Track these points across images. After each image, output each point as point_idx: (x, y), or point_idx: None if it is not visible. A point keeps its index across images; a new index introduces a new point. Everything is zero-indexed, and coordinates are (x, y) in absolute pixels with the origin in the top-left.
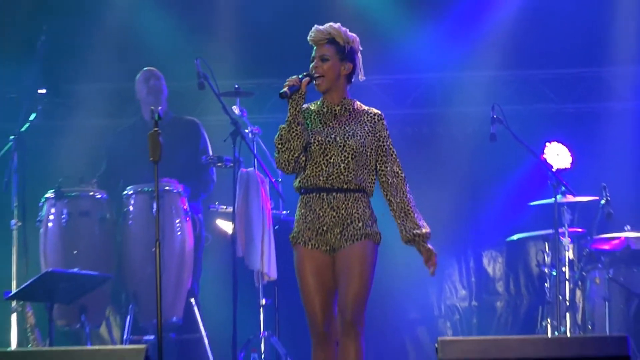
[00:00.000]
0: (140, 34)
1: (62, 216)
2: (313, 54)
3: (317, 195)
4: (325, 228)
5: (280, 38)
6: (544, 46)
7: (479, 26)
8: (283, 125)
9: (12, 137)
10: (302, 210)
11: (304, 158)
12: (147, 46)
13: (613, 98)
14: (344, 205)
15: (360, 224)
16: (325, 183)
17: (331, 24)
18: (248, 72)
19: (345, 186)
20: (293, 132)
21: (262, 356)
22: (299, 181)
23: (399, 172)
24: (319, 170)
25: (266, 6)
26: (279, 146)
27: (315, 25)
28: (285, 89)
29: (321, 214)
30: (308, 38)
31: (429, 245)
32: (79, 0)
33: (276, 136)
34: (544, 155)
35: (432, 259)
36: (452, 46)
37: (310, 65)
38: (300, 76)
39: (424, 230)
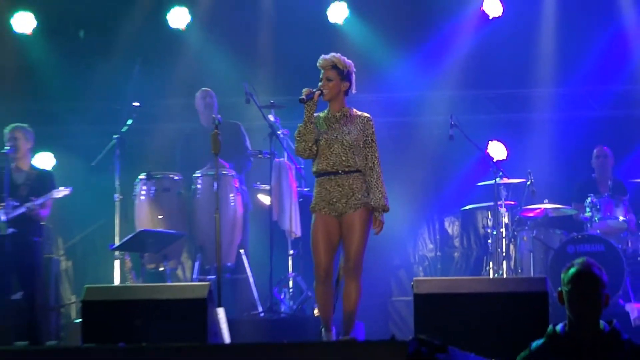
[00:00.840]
0: (204, 62)
1: (151, 192)
2: (321, 76)
3: (327, 177)
4: (334, 200)
5: (303, 64)
6: (488, 73)
7: (441, 59)
8: (300, 124)
9: (115, 136)
10: (318, 188)
11: (315, 148)
12: (207, 71)
13: (535, 110)
14: (346, 183)
15: (359, 196)
16: (332, 168)
17: (333, 54)
18: (280, 90)
19: (346, 169)
20: (307, 128)
21: (290, 290)
22: (314, 168)
23: (374, 164)
24: (327, 160)
25: (294, 42)
26: (298, 138)
27: (322, 55)
28: (303, 96)
29: (331, 190)
30: (317, 64)
31: (381, 218)
32: (163, 40)
33: (295, 132)
34: (487, 150)
35: (379, 227)
36: (422, 72)
37: (319, 84)
38: (314, 89)
39: (380, 204)
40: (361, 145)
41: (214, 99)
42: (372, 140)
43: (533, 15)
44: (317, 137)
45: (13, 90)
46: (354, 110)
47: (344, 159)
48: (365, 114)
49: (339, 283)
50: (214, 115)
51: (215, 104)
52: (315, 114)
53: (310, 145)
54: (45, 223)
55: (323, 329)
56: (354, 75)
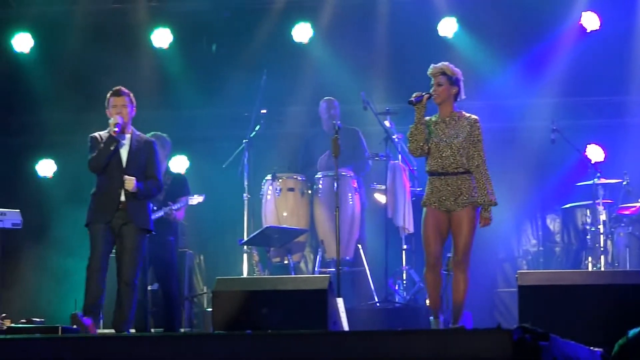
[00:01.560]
0: (325, 73)
1: (276, 191)
2: (432, 82)
3: (437, 176)
4: (443, 197)
5: (416, 74)
6: (587, 81)
7: (543, 68)
8: (412, 125)
9: (244, 140)
10: (429, 186)
11: (427, 147)
12: (328, 81)
13: (631, 115)
14: (455, 183)
15: (467, 195)
16: (442, 169)
17: (442, 62)
18: (395, 97)
19: (455, 170)
20: (418, 129)
21: (404, 282)
22: (427, 167)
23: (480, 163)
24: (437, 162)
25: (407, 54)
26: (410, 138)
27: (432, 64)
28: (412, 98)
29: (440, 188)
30: (428, 72)
31: (489, 213)
32: (288, 53)
33: (408, 132)
34: (586, 153)
35: (485, 220)
36: (526, 81)
37: (431, 90)
38: (423, 93)
39: (487, 200)
40: (468, 146)
41: (337, 108)
42: (478, 140)
43: (628, 28)
44: (428, 138)
45: (152, 100)
46: (463, 112)
47: (452, 161)
48: (473, 116)
49: (449, 275)
50: (334, 122)
51: (337, 112)
52: (427, 117)
53: (421, 144)
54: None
55: (432, 317)
56: (461, 82)
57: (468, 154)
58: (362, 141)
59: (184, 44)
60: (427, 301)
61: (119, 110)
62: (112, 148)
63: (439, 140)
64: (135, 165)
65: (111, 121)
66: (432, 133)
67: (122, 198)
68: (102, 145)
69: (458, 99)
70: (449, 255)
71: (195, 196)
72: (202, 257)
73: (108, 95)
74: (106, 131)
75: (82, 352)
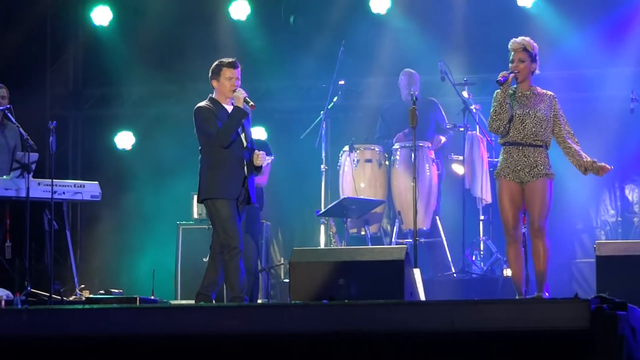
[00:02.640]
0: (403, 44)
1: (354, 162)
2: (512, 57)
3: (516, 147)
4: (519, 168)
5: (494, 44)
6: None
7: (621, 37)
8: (496, 103)
9: (322, 111)
10: (504, 155)
11: (509, 126)
12: (406, 52)
13: None
14: (532, 155)
15: (542, 167)
16: (522, 139)
17: (523, 37)
18: (473, 68)
19: (534, 142)
20: (503, 107)
21: (481, 252)
22: (504, 140)
23: (569, 130)
24: (518, 132)
25: (485, 24)
26: (494, 117)
27: (513, 39)
28: (500, 78)
29: (517, 158)
30: (509, 47)
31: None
32: (366, 24)
33: (491, 110)
34: None
35: (602, 168)
36: (604, 49)
37: (511, 65)
38: (508, 72)
39: (588, 159)
40: (550, 121)
41: (418, 83)
42: (561, 114)
43: None
44: (511, 114)
45: None
46: (539, 88)
47: (534, 131)
48: (550, 92)
49: (526, 245)
50: (412, 92)
51: (418, 87)
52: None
53: (505, 123)
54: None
55: (517, 296)
56: (537, 57)
57: (548, 129)
58: (440, 112)
59: (261, 16)
60: (505, 271)
61: (234, 82)
62: (243, 121)
63: (522, 112)
64: (250, 139)
65: (238, 94)
66: (513, 105)
67: (245, 173)
68: (230, 118)
69: (534, 74)
70: (523, 231)
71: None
72: (279, 229)
73: (219, 65)
74: (230, 103)
75: (159, 322)
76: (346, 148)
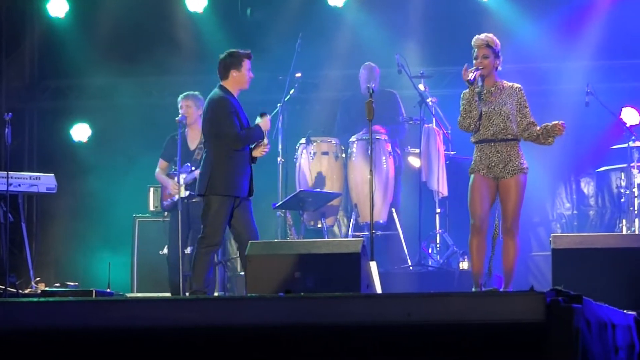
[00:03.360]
0: (360, 36)
1: (310, 155)
2: (475, 54)
3: (488, 144)
4: (492, 164)
5: (450, 38)
6: (623, 43)
7: (578, 30)
8: (464, 102)
9: (279, 104)
10: (478, 153)
11: (479, 123)
12: (362, 44)
13: None
14: (504, 150)
15: (516, 162)
16: (492, 136)
17: (486, 34)
18: (429, 61)
19: (504, 137)
20: (473, 105)
21: (438, 245)
22: (475, 138)
23: (532, 121)
24: (487, 130)
25: (442, 17)
26: (464, 115)
27: (477, 36)
28: (470, 77)
29: (490, 155)
30: (472, 43)
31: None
32: (323, 17)
33: (461, 109)
34: (621, 116)
35: (554, 126)
36: (560, 43)
37: (475, 61)
38: (473, 69)
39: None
40: (516, 114)
41: (378, 77)
42: (525, 105)
43: None
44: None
45: (187, 65)
46: (504, 82)
47: (502, 127)
48: (516, 84)
49: (496, 241)
50: (368, 85)
51: (378, 81)
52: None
53: (475, 120)
54: None
55: (474, 288)
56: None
57: (516, 121)
58: (399, 104)
59: (218, 8)
60: (461, 264)
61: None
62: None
63: (488, 109)
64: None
65: (266, 123)
66: (480, 103)
67: (251, 169)
68: (251, 130)
69: (498, 70)
70: (495, 222)
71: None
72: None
73: (240, 56)
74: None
75: (115, 315)
76: (303, 140)
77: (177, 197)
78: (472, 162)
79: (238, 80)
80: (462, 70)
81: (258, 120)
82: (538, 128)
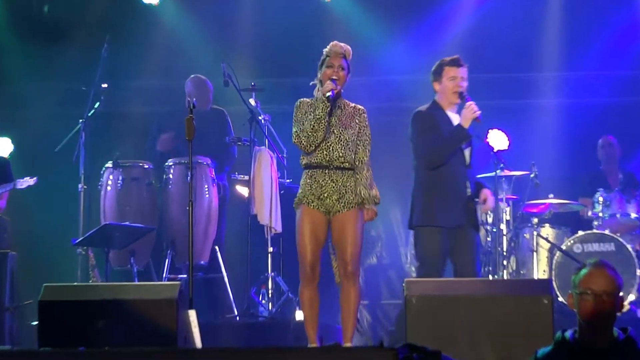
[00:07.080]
0: (180, 40)
1: (118, 181)
2: (329, 62)
3: (322, 170)
4: (325, 195)
5: (286, 46)
6: (487, 55)
7: (436, 40)
8: (313, 119)
9: (81, 120)
10: (308, 180)
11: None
12: (182, 50)
13: (539, 97)
14: (340, 180)
15: (352, 195)
16: (327, 162)
17: (344, 44)
18: (261, 72)
19: (341, 165)
20: (323, 123)
21: (270, 291)
22: (306, 160)
23: (364, 158)
24: (321, 152)
25: (278, 18)
26: (312, 133)
27: (335, 41)
28: (329, 93)
29: (323, 184)
30: (328, 50)
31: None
32: (135, 16)
33: (307, 126)
34: (487, 139)
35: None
36: (416, 53)
37: (329, 70)
38: (331, 81)
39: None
40: (356, 140)
41: (211, 92)
42: (365, 133)
43: None
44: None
45: None
46: (349, 103)
47: (341, 154)
48: (360, 106)
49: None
50: (188, 99)
51: (211, 97)
52: (307, 100)
53: (320, 140)
54: (1, 215)
55: (309, 345)
56: None
57: (354, 150)
58: (228, 123)
59: (9, 3)
60: (297, 314)
61: (458, 82)
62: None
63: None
64: None
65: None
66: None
67: None
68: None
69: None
70: (333, 264)
71: (27, 178)
72: (28, 260)
73: (441, 65)
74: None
75: None
76: (109, 164)
77: None
78: (300, 190)
79: (443, 93)
80: (326, 83)
81: None
82: (363, 194)
